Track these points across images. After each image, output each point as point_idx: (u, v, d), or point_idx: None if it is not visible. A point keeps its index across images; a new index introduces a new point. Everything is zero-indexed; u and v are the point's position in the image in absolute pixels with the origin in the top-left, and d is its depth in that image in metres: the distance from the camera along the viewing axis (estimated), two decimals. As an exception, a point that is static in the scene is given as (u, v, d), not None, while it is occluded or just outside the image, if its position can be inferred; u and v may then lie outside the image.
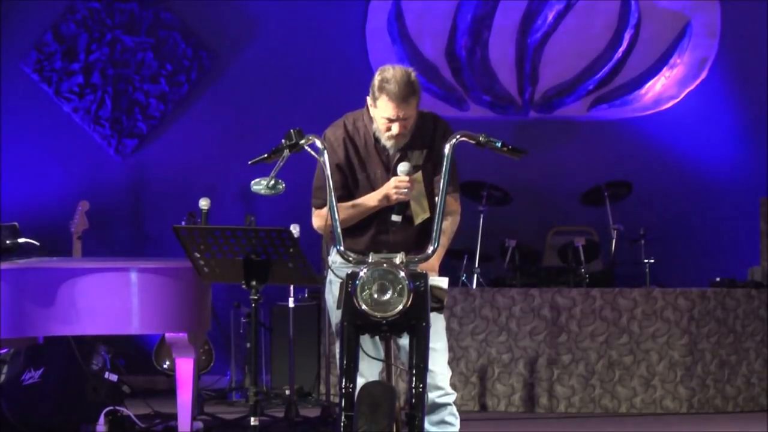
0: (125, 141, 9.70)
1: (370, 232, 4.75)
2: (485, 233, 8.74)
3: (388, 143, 4.71)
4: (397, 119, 4.64)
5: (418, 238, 4.75)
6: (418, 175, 4.71)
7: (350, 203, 4.69)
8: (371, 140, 4.76)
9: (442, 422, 4.81)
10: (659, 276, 8.85)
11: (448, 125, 4.85)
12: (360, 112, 4.81)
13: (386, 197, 4.65)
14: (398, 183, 4.62)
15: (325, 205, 4.73)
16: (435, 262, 4.55)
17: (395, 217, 4.63)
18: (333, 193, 4.37)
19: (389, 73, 4.64)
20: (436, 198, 4.73)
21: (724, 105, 9.62)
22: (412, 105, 4.64)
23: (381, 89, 4.63)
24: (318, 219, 4.84)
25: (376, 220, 4.75)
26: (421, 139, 4.77)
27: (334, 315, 4.87)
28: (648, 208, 9.39)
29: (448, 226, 4.72)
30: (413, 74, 4.67)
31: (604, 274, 8.73)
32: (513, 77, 9.73)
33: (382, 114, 4.66)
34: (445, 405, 4.81)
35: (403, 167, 4.61)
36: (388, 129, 4.67)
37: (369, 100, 4.72)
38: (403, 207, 4.64)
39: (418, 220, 4.74)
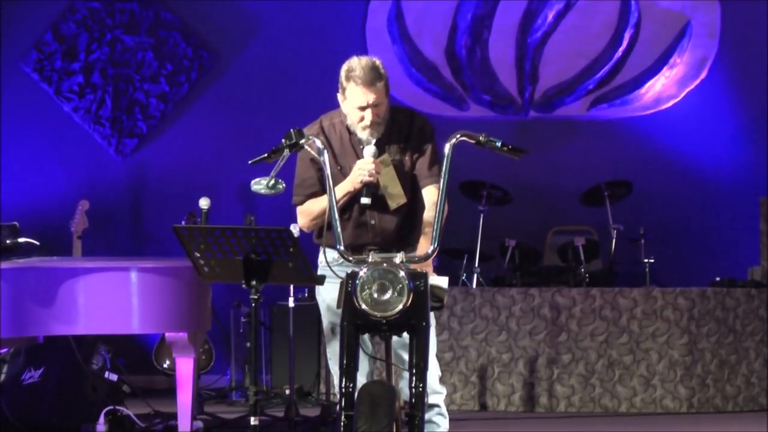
0: (125, 140, 9.70)
1: (350, 227, 4.75)
2: (485, 233, 8.74)
3: (364, 134, 4.72)
4: (368, 105, 4.66)
5: (399, 233, 4.75)
6: (386, 157, 4.72)
7: (323, 196, 4.71)
8: (346, 134, 4.79)
9: (429, 422, 4.80)
10: (659, 275, 8.85)
11: (426, 119, 4.88)
12: (336, 111, 4.85)
13: (353, 181, 4.66)
14: (362, 165, 4.64)
15: (305, 201, 4.81)
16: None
17: (364, 200, 4.65)
18: (333, 191, 4.38)
19: (354, 63, 4.70)
20: (427, 189, 4.74)
21: (724, 105, 9.62)
22: (380, 90, 4.66)
23: (348, 78, 4.67)
24: (301, 216, 4.86)
25: (355, 214, 4.75)
26: (398, 132, 4.78)
27: (325, 316, 4.88)
28: (648, 208, 9.38)
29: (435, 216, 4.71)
30: (378, 60, 4.72)
31: (604, 273, 8.73)
32: (513, 77, 9.73)
33: (353, 104, 4.68)
34: (432, 405, 4.80)
35: (368, 150, 4.65)
36: (362, 119, 4.68)
37: (339, 96, 4.75)
38: (371, 190, 4.65)
39: (393, 205, 4.74)
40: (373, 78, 4.64)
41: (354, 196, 4.70)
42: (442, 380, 5.02)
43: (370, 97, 4.64)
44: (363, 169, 4.62)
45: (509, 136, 8.58)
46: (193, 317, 5.92)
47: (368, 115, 4.67)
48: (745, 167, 9.50)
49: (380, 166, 4.66)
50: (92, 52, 9.69)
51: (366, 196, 4.64)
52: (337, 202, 4.65)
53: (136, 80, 9.70)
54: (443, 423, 4.85)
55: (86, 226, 8.04)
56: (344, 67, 4.70)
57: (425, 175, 4.73)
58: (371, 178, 4.63)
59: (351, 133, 4.76)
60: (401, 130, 4.79)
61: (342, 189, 4.69)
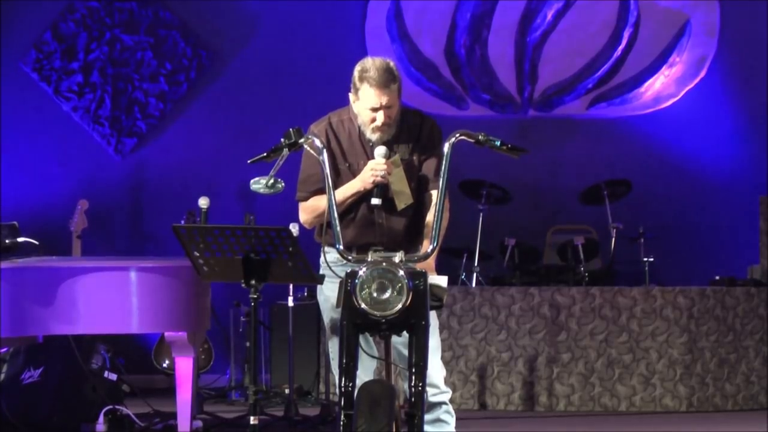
0: (124, 140, 9.70)
1: (356, 226, 4.75)
2: (485, 232, 8.74)
3: (374, 136, 4.71)
4: (381, 107, 4.64)
5: (405, 233, 4.74)
6: (396, 158, 4.71)
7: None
8: (356, 132, 4.77)
9: (438, 420, 4.80)
10: (659, 274, 8.85)
11: (435, 122, 4.87)
12: (345, 108, 4.83)
13: (364, 181, 4.65)
14: (374, 165, 4.63)
15: (309, 197, 4.78)
16: (431, 259, 4.55)
17: (375, 201, 4.63)
18: (332, 191, 4.38)
19: (368, 63, 4.69)
20: (432, 192, 4.74)
21: (724, 104, 9.62)
22: (393, 91, 4.66)
23: (361, 79, 4.65)
24: (304, 213, 4.84)
25: (361, 213, 4.74)
26: (408, 133, 4.78)
27: (327, 313, 4.87)
28: (647, 207, 9.39)
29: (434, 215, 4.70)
30: (392, 62, 4.71)
31: (604, 272, 8.73)
32: (512, 76, 9.73)
33: (366, 105, 4.67)
34: (440, 404, 4.80)
35: (379, 151, 4.63)
36: (373, 120, 4.67)
37: (351, 96, 4.74)
38: (382, 190, 4.65)
39: (401, 206, 4.73)
40: (387, 80, 4.64)
41: (362, 196, 4.69)
42: (442, 379, 5.02)
43: (383, 99, 4.64)
44: (376, 170, 4.61)
45: (508, 135, 8.59)
46: (192, 317, 5.92)
47: (380, 116, 4.66)
48: (745, 166, 9.50)
49: (392, 167, 4.65)
50: (91, 51, 9.69)
51: (377, 196, 4.63)
52: (345, 201, 4.65)
53: (136, 79, 9.70)
54: (451, 421, 4.86)
55: (85, 226, 8.04)
56: (358, 68, 4.69)
57: (432, 179, 4.73)
58: (383, 180, 4.62)
59: (360, 130, 4.76)
60: (411, 131, 4.78)
61: (352, 188, 4.68)
